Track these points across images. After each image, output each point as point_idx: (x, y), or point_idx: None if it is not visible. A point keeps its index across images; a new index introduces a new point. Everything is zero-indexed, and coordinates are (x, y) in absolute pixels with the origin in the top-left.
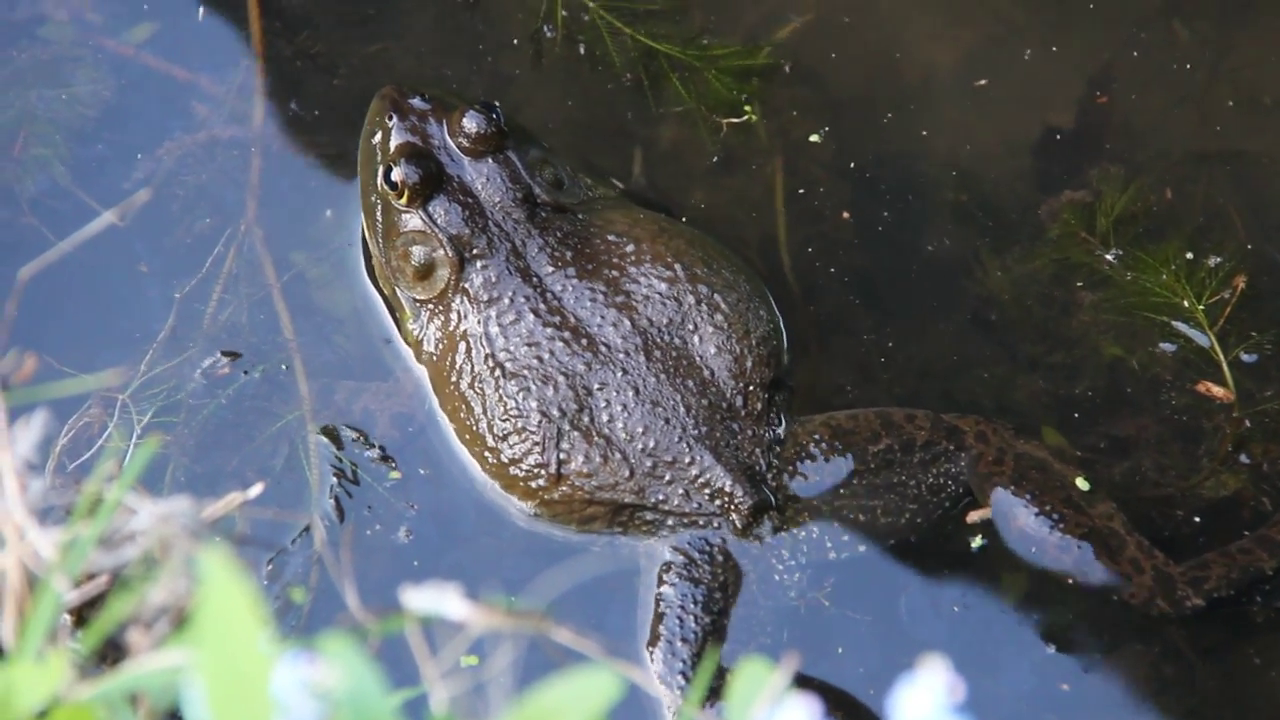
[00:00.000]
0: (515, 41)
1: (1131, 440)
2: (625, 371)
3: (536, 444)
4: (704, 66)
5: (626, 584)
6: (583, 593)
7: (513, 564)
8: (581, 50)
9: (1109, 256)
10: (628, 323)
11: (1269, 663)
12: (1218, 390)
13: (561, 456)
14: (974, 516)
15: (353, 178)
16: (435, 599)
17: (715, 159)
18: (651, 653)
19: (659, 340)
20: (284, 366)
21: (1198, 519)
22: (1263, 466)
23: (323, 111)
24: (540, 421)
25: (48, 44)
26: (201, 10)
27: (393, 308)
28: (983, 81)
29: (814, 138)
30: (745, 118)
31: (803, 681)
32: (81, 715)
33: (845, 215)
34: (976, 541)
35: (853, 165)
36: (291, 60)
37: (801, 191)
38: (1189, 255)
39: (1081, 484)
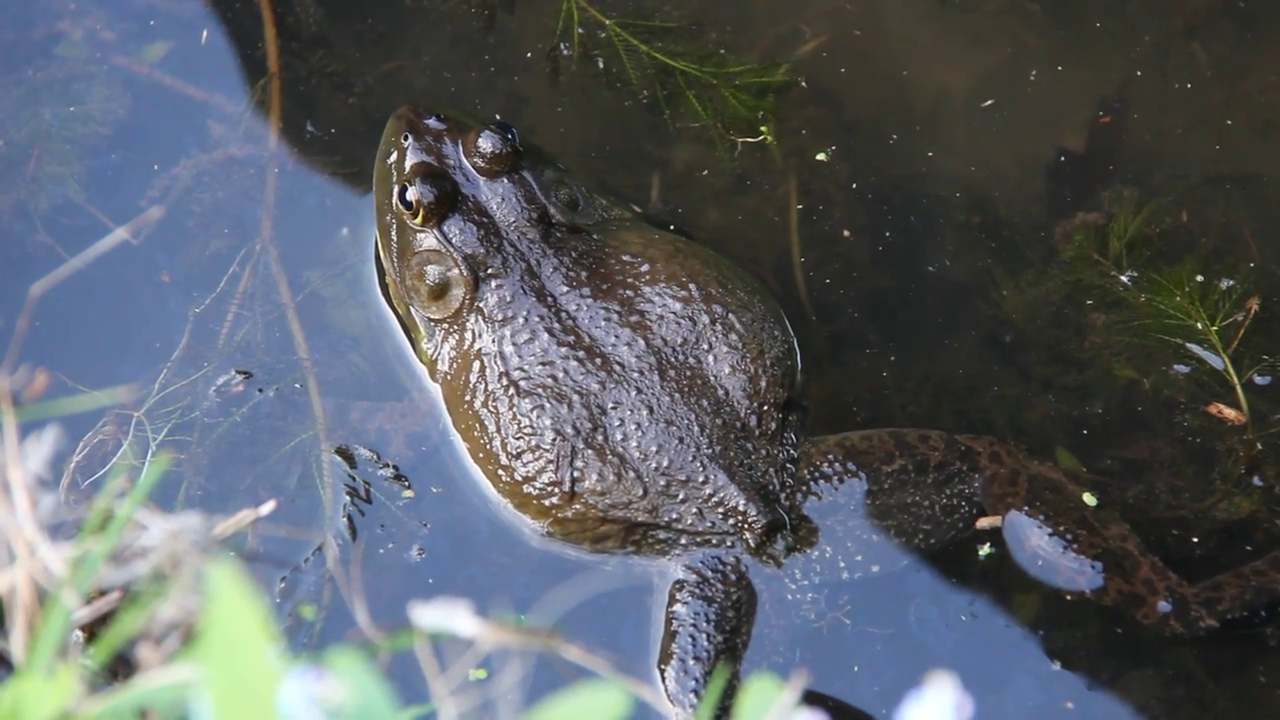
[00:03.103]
0: (529, 55)
1: (1145, 462)
2: (639, 390)
3: (550, 462)
4: (720, 84)
5: (639, 602)
6: (595, 610)
7: (525, 582)
8: (601, 65)
9: (1123, 278)
10: (642, 342)
11: (1278, 683)
12: (1229, 412)
13: (575, 475)
14: (984, 523)
15: (369, 195)
16: (445, 616)
17: (730, 177)
18: (664, 671)
19: (673, 360)
20: (297, 385)
21: (1211, 541)
22: (1276, 489)
23: (338, 130)
24: (554, 440)
25: (63, 62)
26: (206, 33)
27: (407, 327)
28: (989, 102)
29: (820, 156)
30: (761, 138)
31: (815, 700)
32: None
33: (846, 234)
34: (985, 550)
35: (865, 186)
36: (307, 79)
37: (816, 211)
38: (1199, 278)
39: (1089, 499)
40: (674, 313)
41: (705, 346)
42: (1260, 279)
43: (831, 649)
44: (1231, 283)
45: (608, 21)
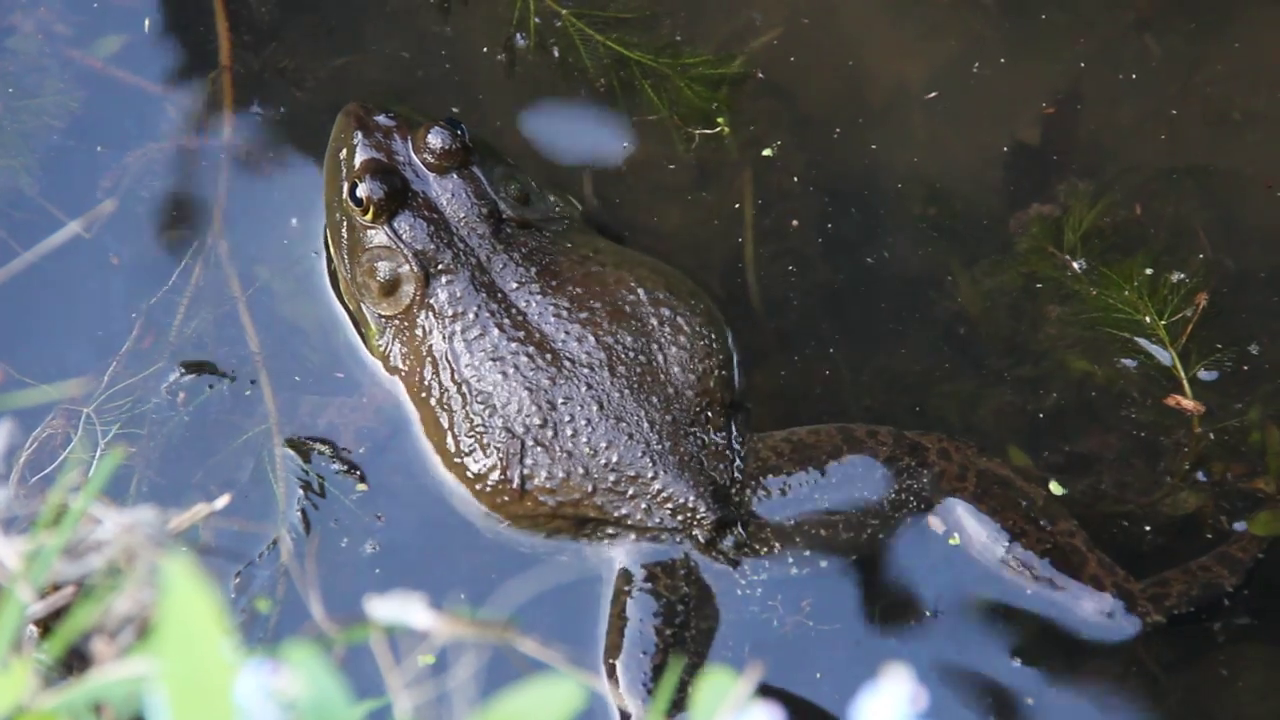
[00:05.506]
0: (485, 50)
1: (1094, 455)
2: (589, 386)
3: (501, 459)
4: (675, 75)
5: (593, 594)
6: (548, 602)
7: (479, 575)
8: (556, 56)
9: (1076, 265)
10: (592, 338)
11: (1234, 674)
12: (1187, 403)
13: (525, 472)
14: (934, 523)
15: (320, 187)
16: (400, 608)
17: (685, 170)
18: (612, 665)
19: (623, 356)
20: (251, 381)
21: (1159, 536)
22: (1225, 479)
23: (290, 123)
24: (504, 437)
25: (15, 55)
26: (147, 22)
27: (358, 322)
28: (934, 94)
29: (767, 151)
30: (718, 129)
31: (766, 694)
32: None
33: (794, 224)
34: (954, 540)
35: (818, 179)
36: (259, 73)
37: (768, 204)
38: (1148, 271)
39: (1055, 489)
40: (624, 312)
41: (655, 346)
42: (1210, 272)
43: (783, 643)
44: (1182, 276)
45: (563, 11)
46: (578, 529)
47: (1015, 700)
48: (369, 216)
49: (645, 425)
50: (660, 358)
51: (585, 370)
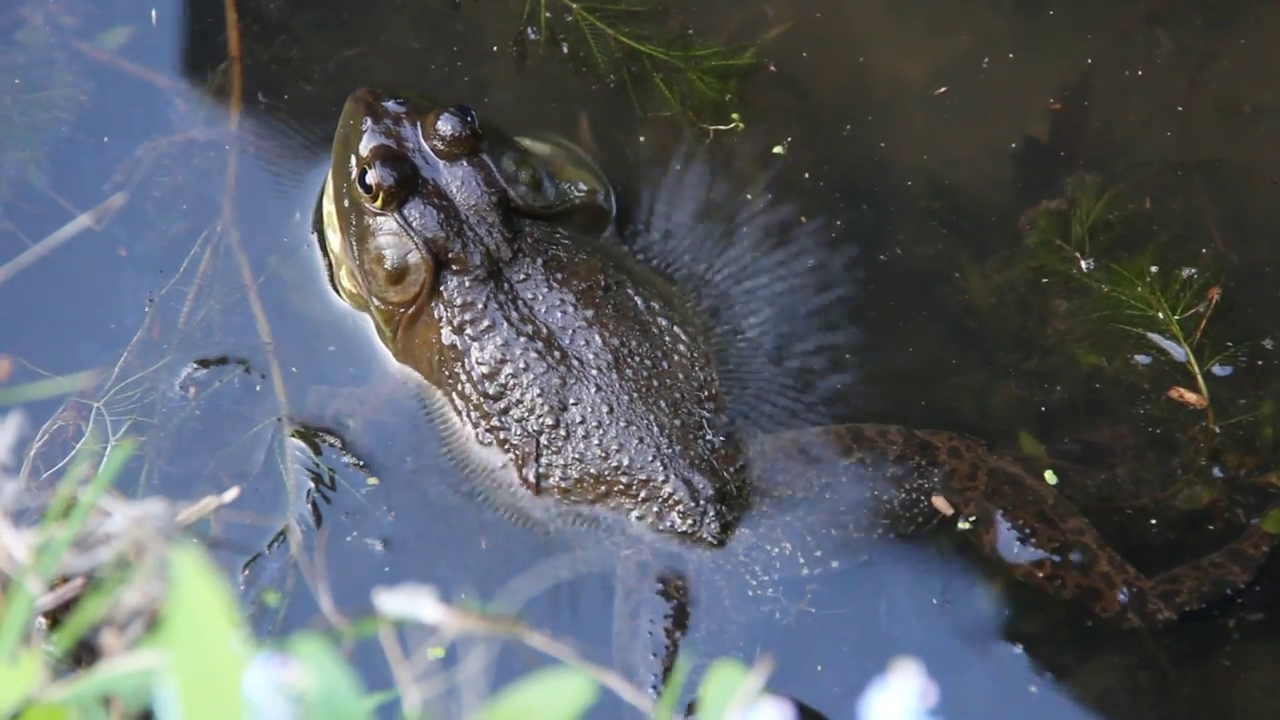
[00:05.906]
0: (495, 49)
1: (1107, 449)
2: (599, 388)
3: (517, 458)
4: (687, 68)
5: (603, 590)
6: (560, 598)
7: (490, 569)
8: (566, 50)
9: (1084, 264)
10: (598, 339)
11: (1243, 669)
12: (1190, 396)
13: (541, 471)
14: (940, 503)
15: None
16: (409, 602)
17: (697, 164)
18: (622, 664)
19: (630, 361)
20: (261, 375)
21: (1168, 530)
22: (1239, 475)
23: (299, 115)
24: (520, 434)
25: (24, 48)
26: (155, 13)
27: (361, 311)
28: (943, 89)
29: (778, 149)
30: (733, 125)
31: (776, 691)
32: (54, 717)
33: (803, 219)
34: (964, 525)
35: (827, 173)
36: (267, 64)
37: (777, 198)
38: (1154, 268)
39: (1049, 476)
40: (626, 315)
41: (659, 353)
42: (1221, 266)
43: (794, 640)
44: (1192, 271)
45: (574, 5)
46: (592, 526)
47: (1018, 688)
48: (378, 203)
49: (655, 429)
50: (665, 363)
51: (594, 372)
